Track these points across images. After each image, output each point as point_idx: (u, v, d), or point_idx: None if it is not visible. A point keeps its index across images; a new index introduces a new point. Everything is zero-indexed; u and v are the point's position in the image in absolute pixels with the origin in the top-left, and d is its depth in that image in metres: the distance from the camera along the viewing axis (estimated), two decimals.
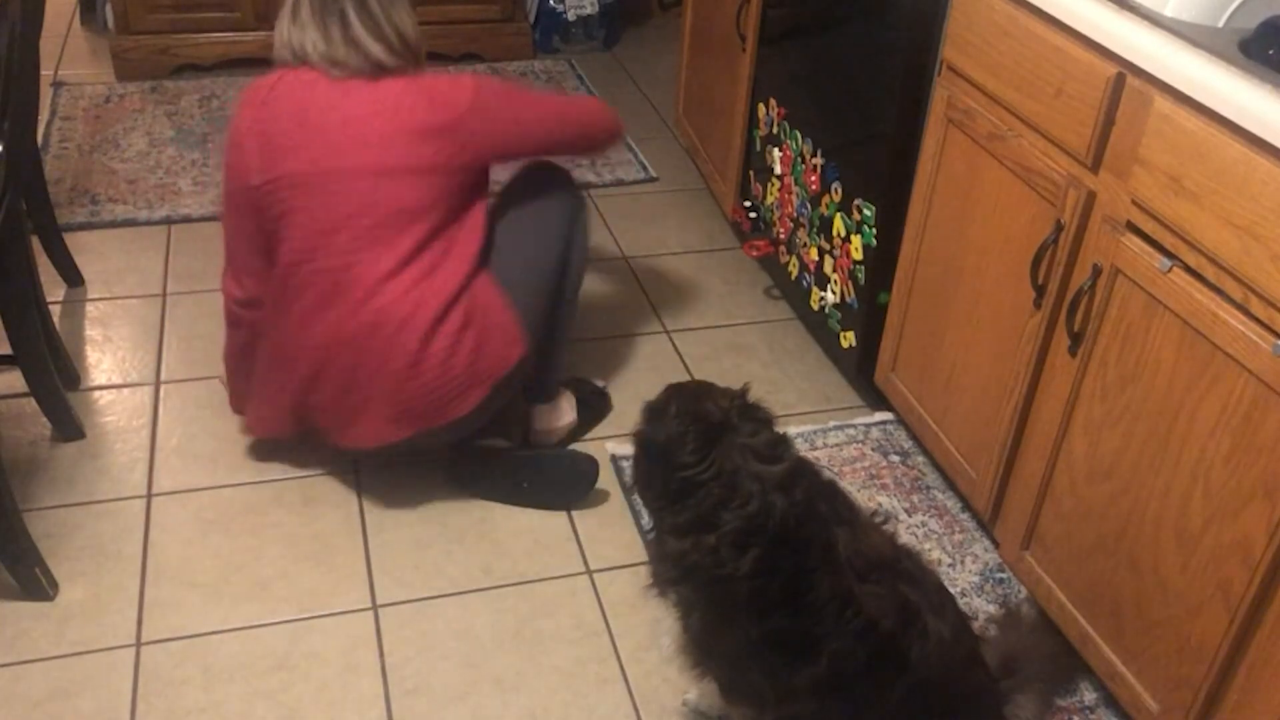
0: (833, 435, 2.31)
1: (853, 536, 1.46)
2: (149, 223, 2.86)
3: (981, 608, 1.94)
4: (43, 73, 2.63)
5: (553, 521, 2.07)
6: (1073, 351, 1.67)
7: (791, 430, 2.30)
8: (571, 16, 3.94)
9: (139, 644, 1.79)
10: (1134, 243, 1.53)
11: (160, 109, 3.39)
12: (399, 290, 1.88)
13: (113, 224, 2.84)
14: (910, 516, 2.12)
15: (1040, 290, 1.73)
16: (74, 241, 2.64)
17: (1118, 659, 1.66)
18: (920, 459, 2.26)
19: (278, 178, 1.89)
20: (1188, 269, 1.45)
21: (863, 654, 1.42)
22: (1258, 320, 1.35)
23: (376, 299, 1.88)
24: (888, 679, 1.44)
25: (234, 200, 1.97)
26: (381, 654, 1.80)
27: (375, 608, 1.88)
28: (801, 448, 2.25)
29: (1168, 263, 1.47)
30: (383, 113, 1.88)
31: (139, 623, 1.82)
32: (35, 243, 2.41)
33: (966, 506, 2.14)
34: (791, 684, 1.46)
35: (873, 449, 2.28)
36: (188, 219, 2.89)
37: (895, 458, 2.26)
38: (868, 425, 2.34)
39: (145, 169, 3.08)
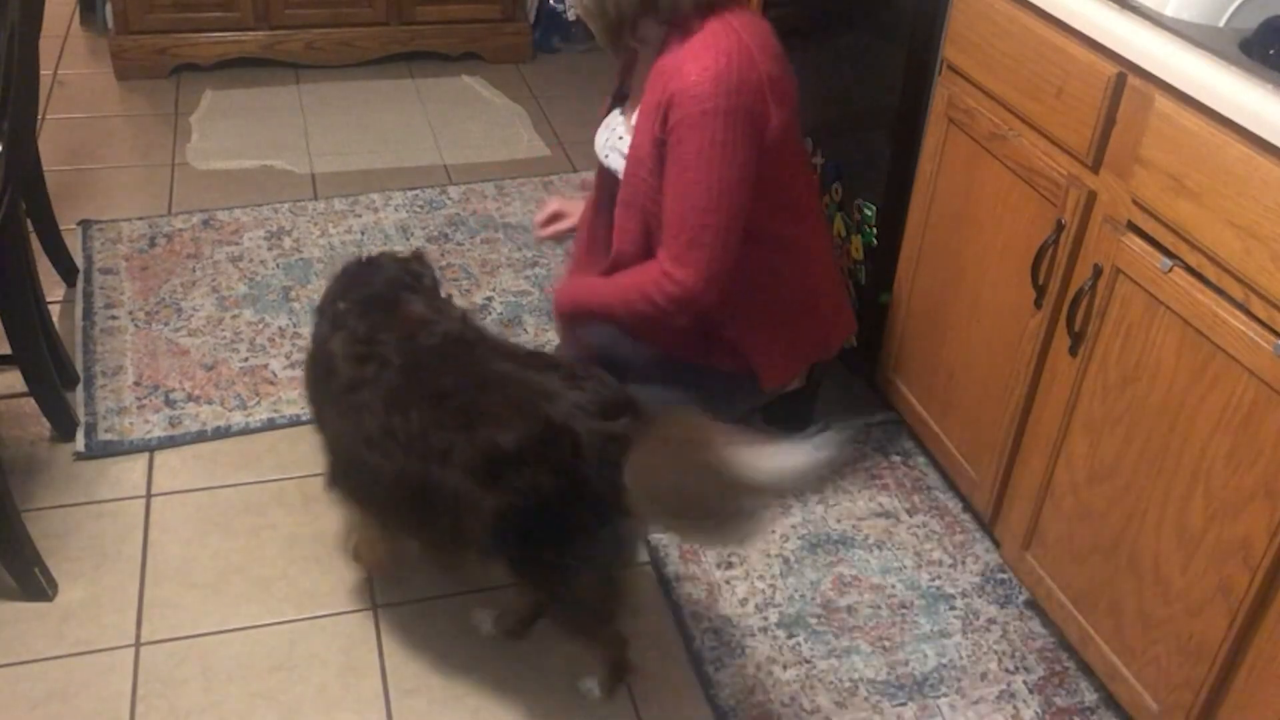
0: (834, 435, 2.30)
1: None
2: (246, 430, 2.21)
3: (983, 608, 1.94)
4: (43, 72, 2.62)
5: None
6: (1073, 351, 1.67)
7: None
8: (572, 16, 3.94)
9: (139, 644, 1.79)
10: (1135, 242, 1.53)
11: (221, 250, 2.74)
12: None
13: (202, 437, 2.18)
14: (911, 517, 2.12)
15: (1041, 290, 1.73)
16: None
17: (1118, 659, 1.65)
18: (921, 459, 2.26)
19: (790, 121, 1.84)
20: (1188, 269, 1.45)
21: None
22: (1258, 320, 1.35)
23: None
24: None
25: (746, 175, 1.76)
26: (381, 654, 1.80)
27: (375, 608, 1.88)
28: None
29: (1168, 263, 1.47)
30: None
31: (139, 623, 1.82)
32: (35, 243, 2.41)
33: (968, 507, 2.14)
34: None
35: (874, 449, 2.28)
36: (296, 421, 2.23)
37: (896, 458, 2.26)
38: (868, 426, 2.34)
39: (222, 344, 2.42)
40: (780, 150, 1.82)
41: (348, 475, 1.68)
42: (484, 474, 1.48)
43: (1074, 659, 1.85)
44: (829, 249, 2.09)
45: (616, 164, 1.95)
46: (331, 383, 1.64)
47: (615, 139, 1.99)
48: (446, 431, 1.50)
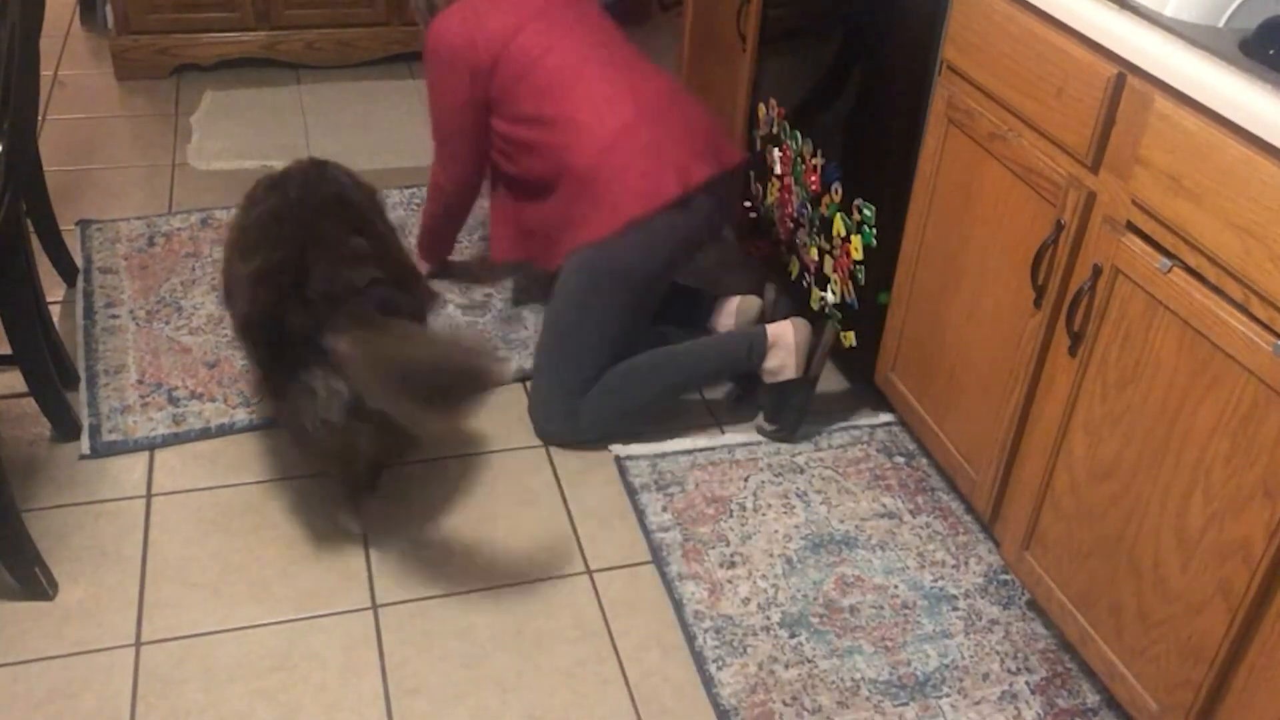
0: (836, 436, 2.31)
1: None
2: (250, 428, 2.21)
3: (985, 609, 1.94)
4: (43, 72, 2.62)
5: (553, 521, 2.07)
6: (1073, 352, 1.67)
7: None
8: None
9: (139, 644, 1.79)
10: (1134, 243, 1.53)
11: (219, 248, 2.71)
12: None
13: (206, 434, 2.20)
14: (914, 518, 2.12)
15: (1040, 290, 1.73)
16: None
17: (1118, 659, 1.66)
18: (924, 460, 2.26)
19: (523, 24, 2.24)
20: (1188, 269, 1.45)
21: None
22: (1258, 320, 1.35)
23: None
24: None
25: (460, 103, 2.29)
26: (381, 654, 1.80)
27: (375, 608, 1.88)
28: (805, 448, 2.26)
29: (1168, 263, 1.47)
30: None
31: (139, 623, 1.82)
32: (35, 243, 2.41)
33: (970, 508, 2.14)
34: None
35: (877, 450, 2.28)
36: None
37: (900, 459, 2.26)
38: (871, 426, 2.34)
39: (224, 342, 2.43)
40: (518, 51, 2.19)
41: (226, 279, 2.04)
42: (251, 284, 1.87)
43: (1076, 660, 1.85)
44: (623, 114, 2.14)
45: None
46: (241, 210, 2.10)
47: None
48: (259, 250, 1.90)
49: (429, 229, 2.59)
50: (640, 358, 2.22)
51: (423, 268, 2.64)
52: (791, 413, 2.26)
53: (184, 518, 2.02)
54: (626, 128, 2.12)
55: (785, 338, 2.21)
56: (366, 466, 2.00)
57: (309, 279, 1.80)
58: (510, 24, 2.20)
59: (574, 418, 2.21)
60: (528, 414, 2.28)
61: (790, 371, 2.21)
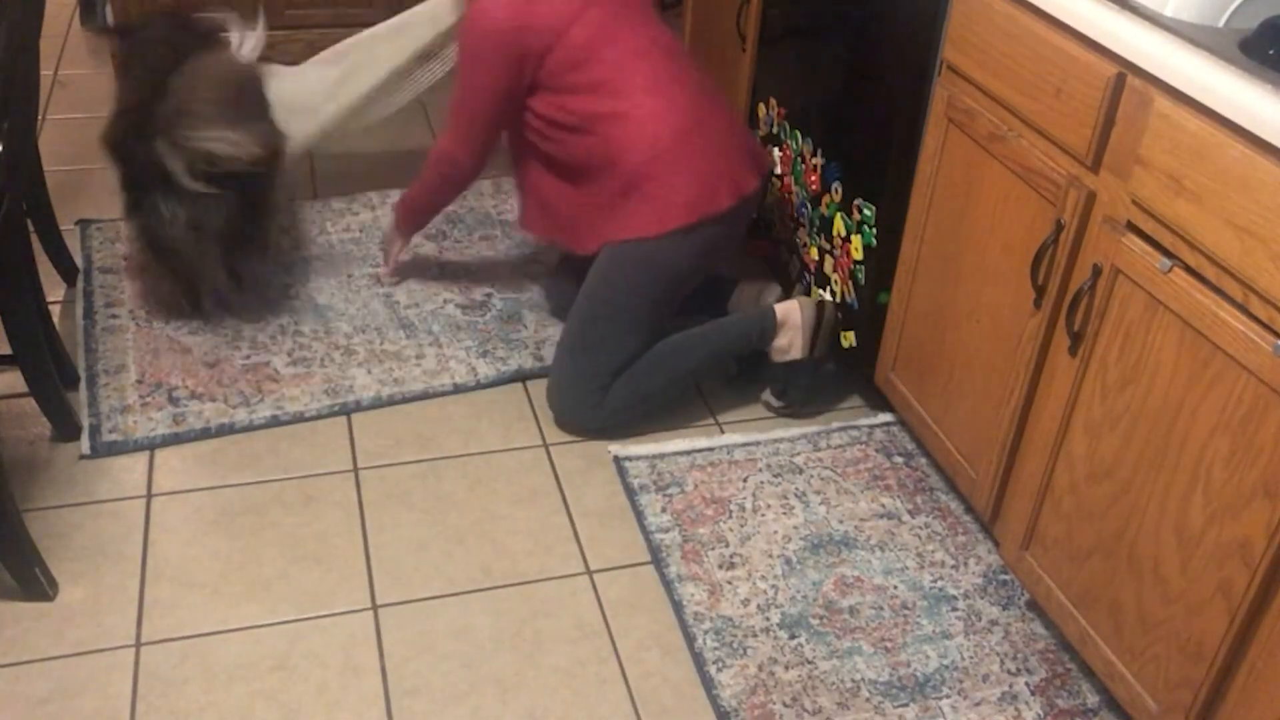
0: (836, 437, 2.31)
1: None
2: (250, 428, 2.22)
3: (985, 610, 1.94)
4: (43, 73, 2.62)
5: (553, 521, 2.07)
6: (1073, 352, 1.67)
7: (794, 431, 2.31)
8: None
9: (139, 644, 1.79)
10: (1134, 243, 1.53)
11: None
12: None
13: (206, 434, 2.20)
14: (913, 518, 2.12)
15: (1040, 290, 1.73)
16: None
17: (1117, 659, 1.66)
18: (924, 460, 2.26)
19: (569, 25, 2.25)
20: (1188, 269, 1.45)
21: None
22: (1258, 320, 1.35)
23: None
24: None
25: (491, 88, 2.29)
26: (381, 654, 1.80)
27: (375, 608, 1.88)
28: (805, 449, 2.26)
29: (1168, 263, 1.47)
30: None
31: (139, 623, 1.82)
32: (35, 243, 2.41)
33: (970, 508, 2.14)
34: None
35: (876, 450, 2.28)
36: (299, 419, 2.26)
37: (899, 459, 2.26)
38: (871, 426, 2.34)
39: (224, 342, 2.43)
40: (572, 42, 2.18)
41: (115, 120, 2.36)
42: (114, 118, 2.34)
43: (1076, 660, 1.85)
44: (681, 116, 2.18)
45: None
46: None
47: None
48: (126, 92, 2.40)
49: (416, 198, 2.54)
50: (660, 344, 2.27)
51: (398, 237, 2.64)
52: (798, 391, 2.34)
53: (184, 518, 2.02)
54: (682, 133, 2.16)
55: (793, 317, 2.28)
56: (218, 270, 2.41)
57: (154, 119, 2.20)
58: (565, 12, 2.17)
59: (598, 407, 2.24)
60: (546, 403, 2.30)
61: (797, 351, 2.29)
